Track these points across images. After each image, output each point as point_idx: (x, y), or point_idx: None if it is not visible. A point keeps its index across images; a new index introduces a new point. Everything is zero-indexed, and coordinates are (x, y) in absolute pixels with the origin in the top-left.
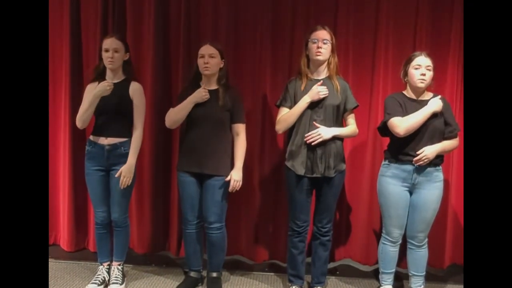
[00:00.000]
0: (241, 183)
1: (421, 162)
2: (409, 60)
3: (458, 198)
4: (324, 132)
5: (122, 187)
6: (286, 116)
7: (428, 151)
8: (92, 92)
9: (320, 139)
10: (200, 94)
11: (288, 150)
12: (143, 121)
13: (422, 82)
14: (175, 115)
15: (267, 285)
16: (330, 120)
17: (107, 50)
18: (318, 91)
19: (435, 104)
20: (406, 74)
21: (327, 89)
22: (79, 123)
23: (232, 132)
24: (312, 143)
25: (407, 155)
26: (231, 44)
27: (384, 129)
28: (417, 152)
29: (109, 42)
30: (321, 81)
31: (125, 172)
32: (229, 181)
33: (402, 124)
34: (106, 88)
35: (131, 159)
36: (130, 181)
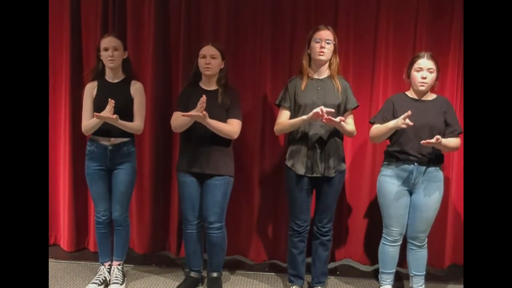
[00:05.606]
0: (201, 118)
1: (429, 142)
2: (412, 62)
3: (458, 198)
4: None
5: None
6: (283, 124)
7: (442, 140)
8: (95, 109)
9: (325, 120)
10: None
11: (289, 149)
12: (143, 117)
13: (422, 85)
14: (179, 125)
15: (267, 285)
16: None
17: (106, 49)
18: (319, 114)
19: (397, 122)
20: (408, 76)
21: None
22: (85, 131)
23: None
24: (323, 119)
25: (406, 154)
26: (231, 44)
27: None
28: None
29: (108, 41)
30: (321, 85)
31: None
32: (228, 181)
33: (372, 133)
34: (108, 116)
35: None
36: None
